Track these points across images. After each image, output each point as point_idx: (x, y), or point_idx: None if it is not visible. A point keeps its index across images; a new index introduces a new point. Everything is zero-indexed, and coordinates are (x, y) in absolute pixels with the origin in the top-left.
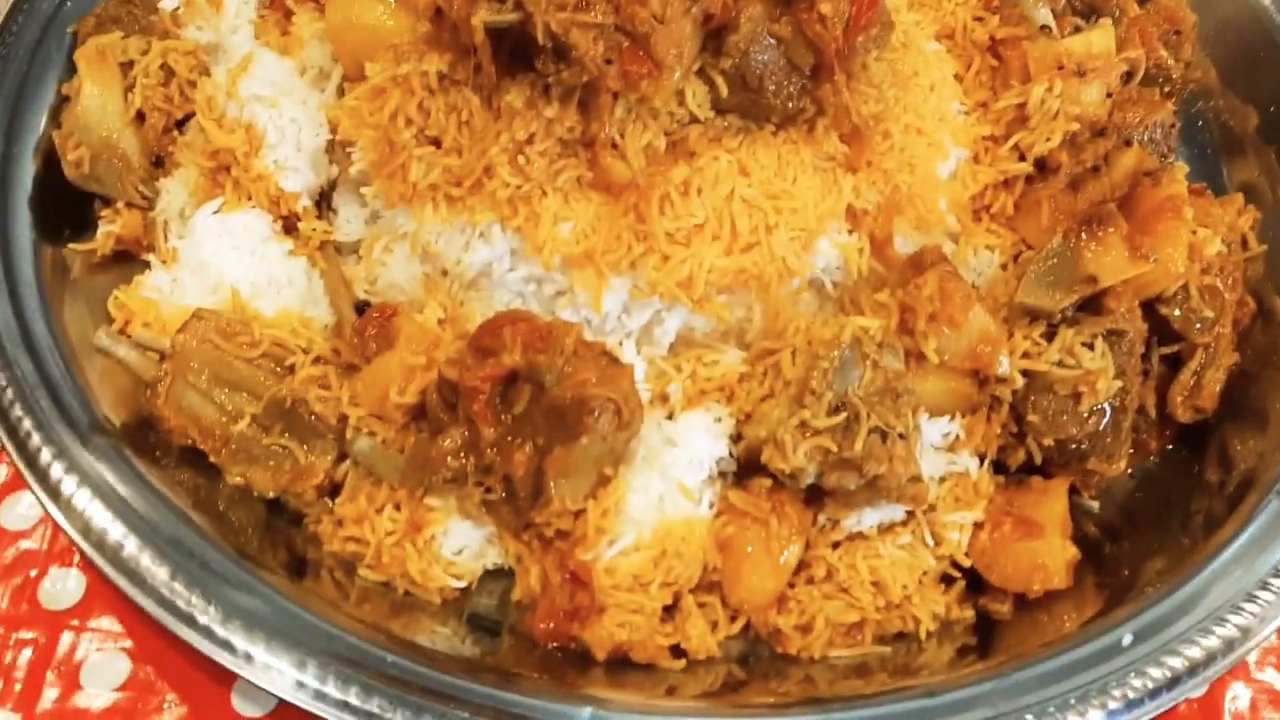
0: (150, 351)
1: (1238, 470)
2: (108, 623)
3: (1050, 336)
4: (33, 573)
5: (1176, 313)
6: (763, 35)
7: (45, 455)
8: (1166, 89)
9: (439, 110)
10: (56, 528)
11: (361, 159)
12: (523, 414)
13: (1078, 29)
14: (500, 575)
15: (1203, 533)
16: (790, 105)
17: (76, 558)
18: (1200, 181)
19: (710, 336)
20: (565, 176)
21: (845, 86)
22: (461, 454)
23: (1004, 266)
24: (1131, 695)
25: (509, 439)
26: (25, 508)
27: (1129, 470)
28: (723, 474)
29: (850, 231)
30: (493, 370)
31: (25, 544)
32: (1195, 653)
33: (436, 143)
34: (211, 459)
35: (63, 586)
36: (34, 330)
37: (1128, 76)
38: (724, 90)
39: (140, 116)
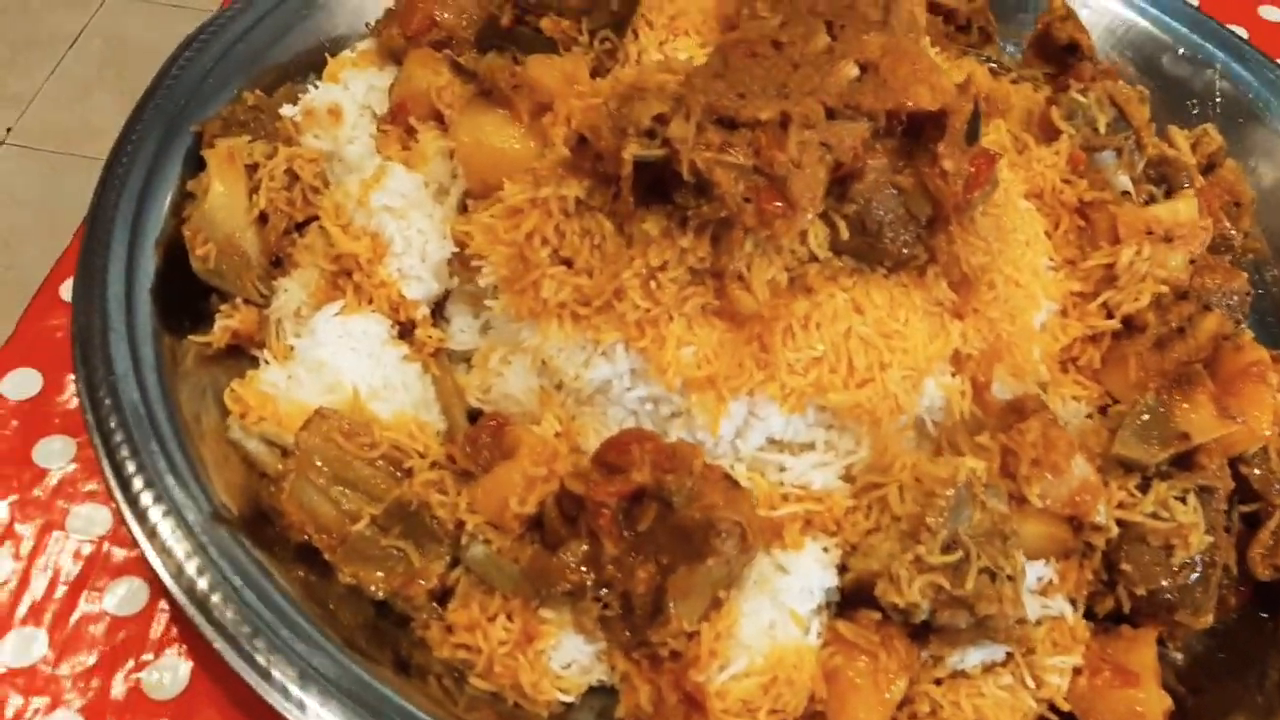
0: (274, 446)
1: None
2: (214, 715)
3: (1144, 489)
4: (135, 661)
5: (1257, 472)
6: (885, 185)
7: (171, 539)
8: (1229, 257)
9: (573, 233)
10: (164, 618)
11: (492, 274)
12: (647, 532)
13: (1151, 196)
14: (600, 692)
15: (1276, 694)
16: (904, 251)
17: (180, 648)
18: (1265, 346)
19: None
20: (692, 303)
21: (958, 236)
22: (581, 568)
23: (1089, 417)
24: None
25: (632, 556)
26: (130, 592)
27: (1209, 626)
28: (827, 604)
29: (954, 374)
30: (621, 486)
31: (128, 632)
32: None
33: (568, 263)
34: (326, 556)
35: (169, 676)
36: (157, 417)
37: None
38: (844, 233)
39: (263, 217)
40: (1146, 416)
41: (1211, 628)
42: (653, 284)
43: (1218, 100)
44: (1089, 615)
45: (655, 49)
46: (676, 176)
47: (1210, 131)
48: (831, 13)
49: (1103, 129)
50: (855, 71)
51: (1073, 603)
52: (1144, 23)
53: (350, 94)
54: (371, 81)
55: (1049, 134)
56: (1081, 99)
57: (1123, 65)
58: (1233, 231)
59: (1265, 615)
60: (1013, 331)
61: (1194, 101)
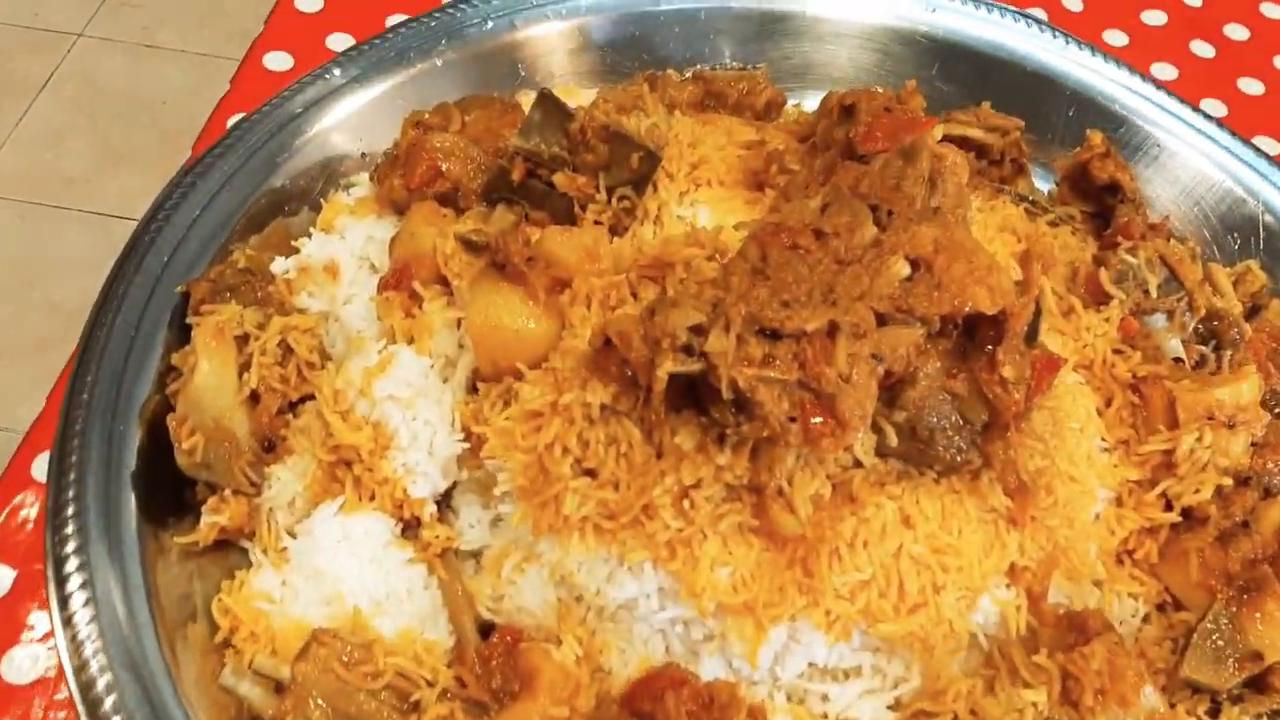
0: (269, 678)
1: None
2: None
3: (1214, 713)
4: None
5: None
6: (938, 391)
7: None
8: (1278, 410)
9: (598, 441)
10: None
11: (508, 482)
12: None
13: (1203, 357)
14: None
15: None
16: (958, 458)
17: None
18: None
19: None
20: (728, 521)
21: (1015, 442)
22: None
23: (1145, 616)
24: None
25: None
26: None
27: None
28: None
29: (1009, 585)
30: None
31: None
32: None
33: (592, 473)
34: None
35: None
36: (145, 642)
37: None
38: (893, 439)
39: (254, 396)
40: (1215, 633)
41: None
42: (686, 503)
43: (1261, 236)
44: None
45: (676, 201)
46: (713, 389)
47: (1254, 269)
48: (877, 194)
49: (1154, 291)
50: (906, 270)
51: None
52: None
53: (347, 245)
54: (370, 232)
55: (1096, 295)
56: (1131, 259)
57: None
58: None
59: None
60: (1071, 535)
61: (1235, 235)
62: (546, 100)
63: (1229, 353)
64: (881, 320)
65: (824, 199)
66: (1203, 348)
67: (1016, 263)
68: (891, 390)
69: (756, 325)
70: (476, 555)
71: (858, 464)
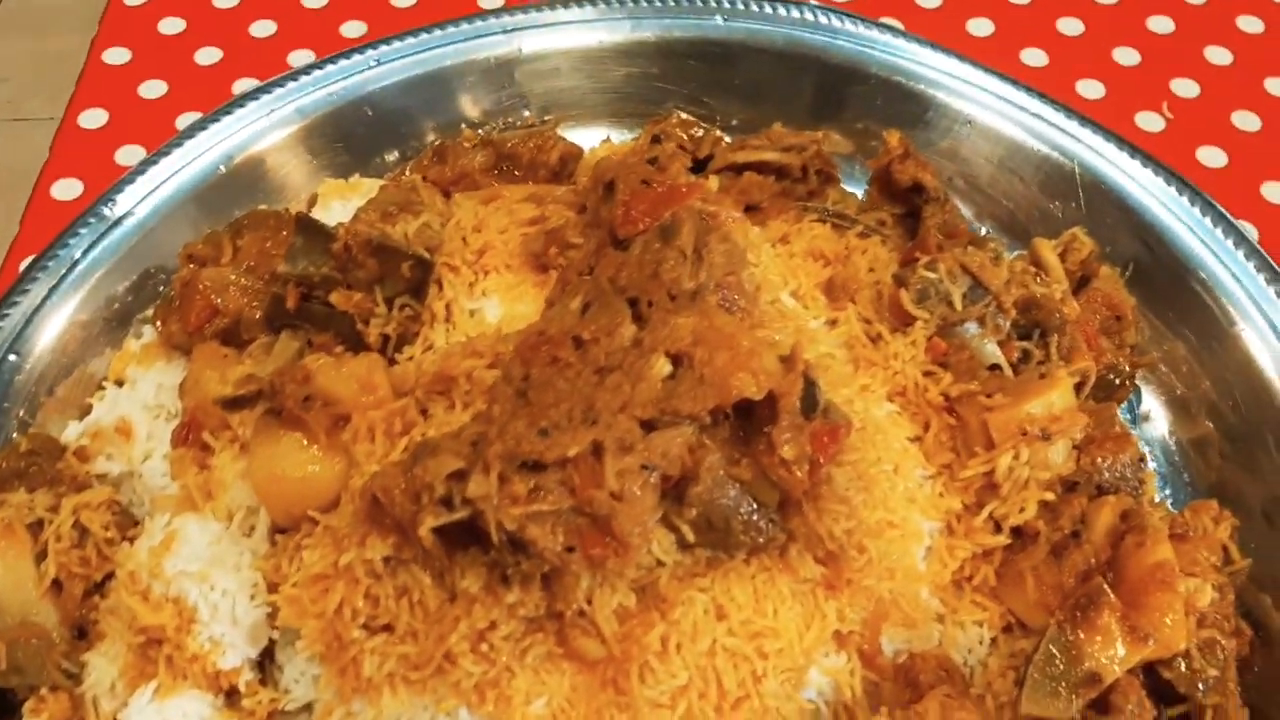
0: None
1: None
2: None
3: None
4: None
5: (1182, 671)
6: (724, 481)
7: None
8: (1118, 382)
9: (388, 596)
10: None
11: (307, 649)
12: None
13: (1025, 354)
14: None
15: None
16: (760, 540)
17: None
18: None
19: None
20: (534, 652)
21: (814, 516)
22: None
23: (994, 641)
24: None
25: None
26: None
27: None
28: None
29: (839, 650)
30: None
31: None
32: None
33: (388, 628)
34: None
35: None
36: None
37: (1079, 386)
38: (689, 536)
39: (56, 584)
40: (1051, 661)
41: None
42: (484, 646)
43: (1081, 198)
44: None
45: (465, 295)
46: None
47: (1080, 236)
48: (636, 285)
49: (959, 303)
50: (667, 369)
51: None
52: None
53: (138, 396)
54: (160, 380)
55: (901, 317)
56: (930, 274)
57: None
58: (1120, 360)
59: None
60: (894, 586)
61: (1057, 203)
62: (305, 224)
63: (1054, 338)
64: (650, 426)
65: (585, 297)
66: (1025, 343)
67: (821, 293)
68: (677, 489)
69: (518, 460)
70: (308, 709)
71: (662, 563)
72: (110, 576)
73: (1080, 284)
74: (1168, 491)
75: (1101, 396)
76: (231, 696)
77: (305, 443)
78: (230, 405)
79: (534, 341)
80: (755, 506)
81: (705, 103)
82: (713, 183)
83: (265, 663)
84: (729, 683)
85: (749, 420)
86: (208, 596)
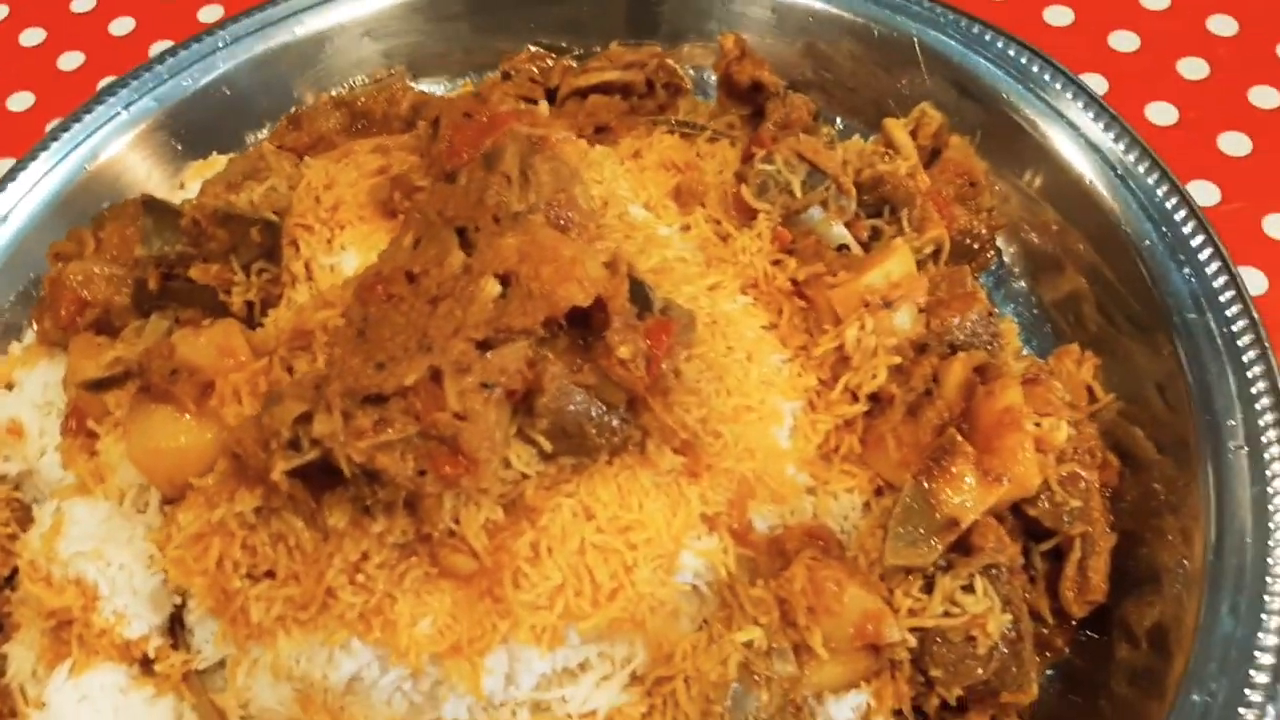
0: None
1: (1145, 638)
2: None
3: (929, 588)
4: None
5: (1044, 508)
6: (569, 389)
7: None
8: (977, 246)
9: (264, 544)
10: None
11: (199, 605)
12: None
13: (876, 231)
14: None
15: (1135, 709)
16: (616, 440)
17: None
18: (1028, 315)
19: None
20: (411, 576)
21: (663, 410)
22: None
23: (867, 504)
24: None
25: None
26: None
27: (1048, 670)
28: None
29: (709, 532)
30: None
31: None
32: None
33: (271, 574)
34: None
35: None
36: None
37: (936, 254)
38: (547, 447)
39: None
40: (910, 513)
41: (1052, 670)
42: (360, 576)
43: (923, 66)
44: (920, 715)
45: (323, 252)
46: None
47: (928, 110)
48: (462, 214)
49: (799, 190)
50: (497, 289)
51: (899, 714)
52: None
53: (27, 398)
54: (45, 378)
55: (748, 213)
56: (768, 167)
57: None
58: (975, 224)
59: (1096, 636)
60: (756, 466)
61: (904, 82)
62: (151, 205)
63: (905, 212)
64: (486, 346)
65: (415, 233)
66: (875, 220)
67: (671, 200)
68: (526, 404)
69: (359, 395)
70: (222, 665)
71: (527, 476)
72: (17, 571)
73: (933, 156)
74: (1034, 344)
75: (963, 262)
76: (146, 665)
77: (177, 414)
78: (97, 387)
79: (370, 282)
80: (604, 409)
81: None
82: (542, 108)
83: (176, 628)
84: (601, 576)
85: (587, 328)
86: (105, 572)
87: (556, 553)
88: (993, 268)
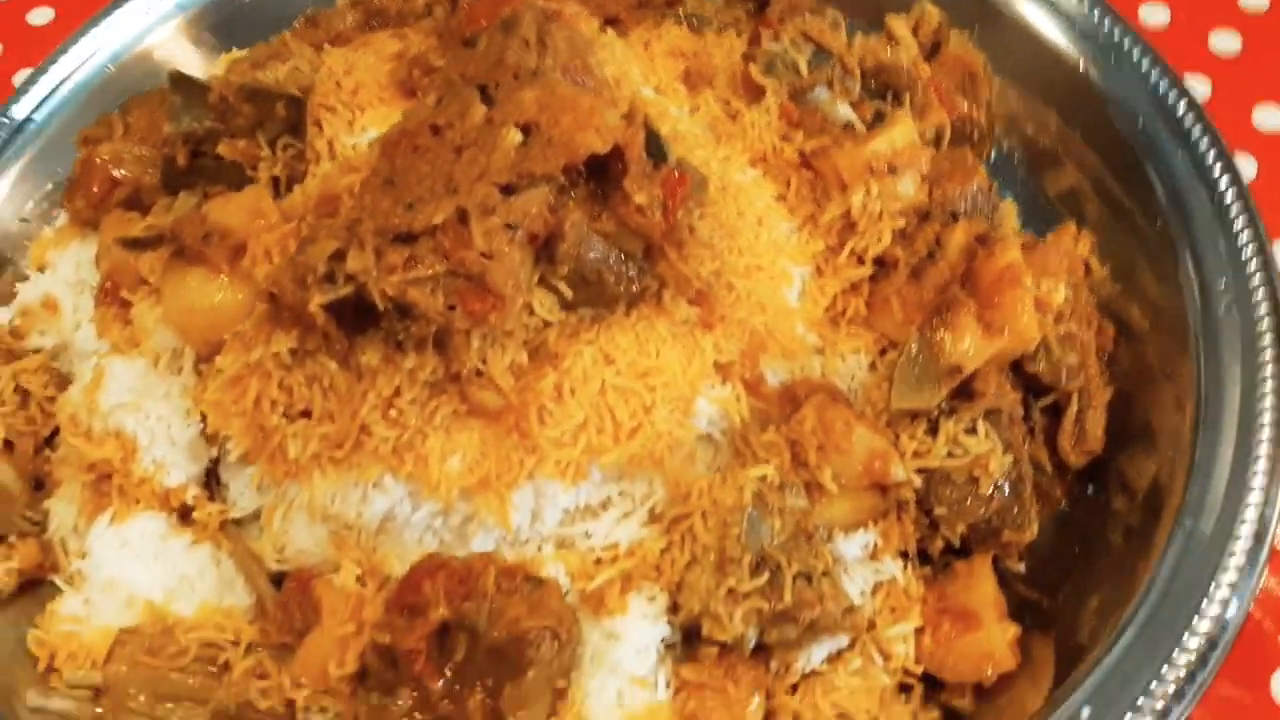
0: (84, 688)
1: (1141, 492)
2: None
3: (934, 431)
4: None
5: (1043, 366)
6: (589, 235)
7: None
8: (976, 135)
9: (300, 384)
10: None
11: (236, 448)
12: (464, 660)
13: (879, 114)
14: None
15: (1127, 560)
16: (634, 289)
17: None
18: (1031, 207)
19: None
20: (441, 414)
21: (678, 259)
22: (415, 712)
23: (872, 365)
24: None
25: (457, 688)
26: None
27: (1043, 521)
28: (670, 647)
29: (723, 382)
30: (423, 629)
31: None
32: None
33: (306, 414)
34: None
35: None
36: None
37: (937, 140)
38: (567, 294)
39: (8, 444)
40: (915, 360)
41: (1045, 522)
42: (393, 412)
43: None
44: (924, 557)
45: (346, 132)
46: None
47: (928, 8)
48: (482, 74)
49: (805, 70)
50: (518, 138)
51: (904, 555)
52: None
53: (60, 277)
54: (78, 257)
55: (755, 92)
56: (775, 47)
57: None
58: (975, 112)
59: (1092, 490)
60: (767, 320)
61: None
62: (179, 81)
63: (908, 96)
64: (509, 190)
65: (437, 93)
66: (879, 102)
67: (681, 84)
68: (547, 248)
69: (390, 234)
70: (258, 517)
71: (549, 324)
72: (57, 431)
73: (933, 51)
74: (1033, 227)
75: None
76: (184, 516)
77: (210, 275)
78: (134, 245)
79: (395, 137)
80: (623, 257)
81: None
82: None
83: (212, 484)
84: (621, 415)
85: (605, 178)
86: (144, 424)
87: (579, 393)
88: (991, 159)
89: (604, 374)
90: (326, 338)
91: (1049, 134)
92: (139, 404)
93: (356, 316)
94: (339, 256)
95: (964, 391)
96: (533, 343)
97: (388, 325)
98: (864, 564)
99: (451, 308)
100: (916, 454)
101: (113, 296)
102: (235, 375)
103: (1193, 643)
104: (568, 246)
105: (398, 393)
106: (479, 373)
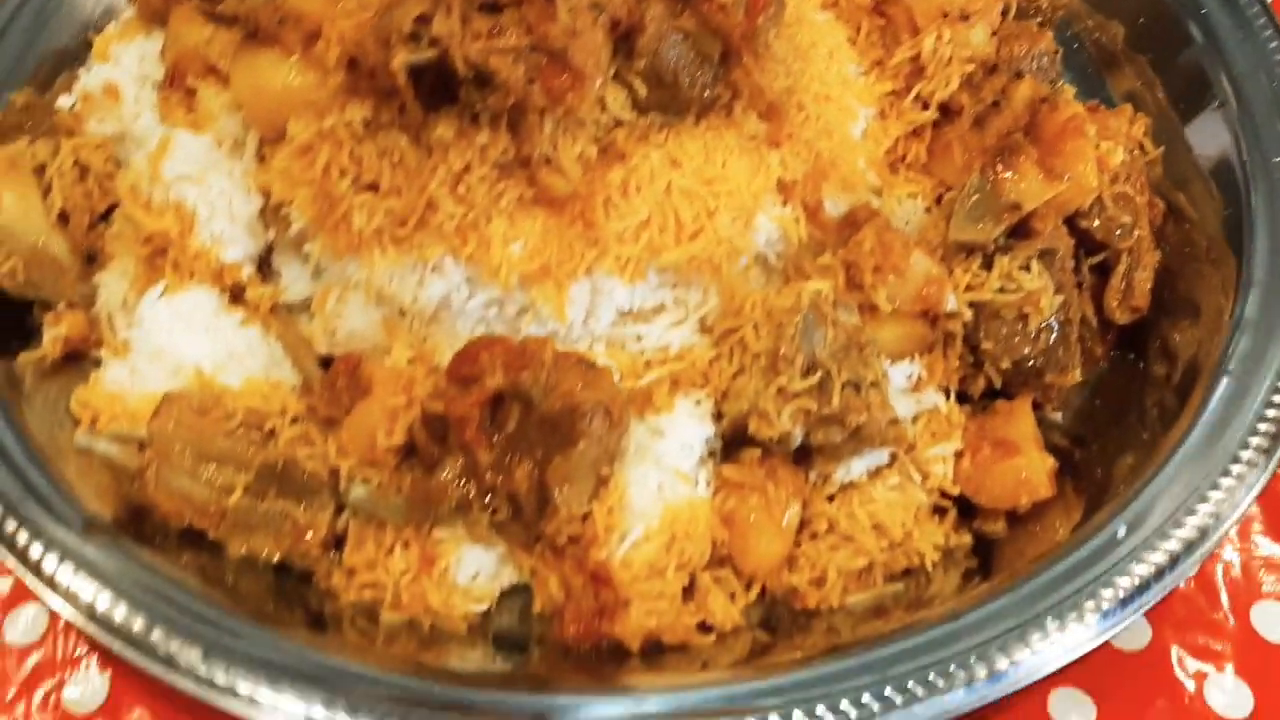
0: (129, 442)
1: (1181, 360)
2: (142, 713)
3: (988, 266)
4: (51, 682)
5: (1096, 224)
6: (669, 32)
7: (48, 561)
8: (1038, 20)
9: (371, 155)
10: (69, 634)
11: (300, 217)
12: (515, 432)
13: None
14: (516, 592)
15: (1160, 424)
16: (706, 94)
17: (93, 660)
18: (1087, 99)
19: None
20: (508, 198)
21: (754, 67)
22: (462, 481)
23: (928, 210)
24: (1136, 583)
25: (506, 458)
26: (30, 620)
27: (1082, 379)
28: (711, 453)
29: (784, 203)
30: (479, 396)
31: (37, 656)
32: (1186, 533)
33: (374, 187)
34: (212, 535)
35: (86, 690)
36: (4, 442)
37: (1003, 13)
38: (641, 91)
39: (64, 217)
40: (975, 196)
41: (1085, 381)
42: (461, 188)
43: None
44: (964, 399)
45: None
46: (457, 74)
47: None
48: None
49: None
50: None
51: (945, 392)
52: None
53: (124, 69)
54: (142, 51)
55: None
56: None
57: None
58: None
59: (1133, 356)
60: (833, 147)
61: None
62: None
63: None
64: None
65: None
66: None
67: None
68: (626, 41)
69: (476, 2)
70: (307, 307)
71: (619, 123)
72: (112, 209)
73: None
74: None
75: None
76: (235, 298)
77: (283, 57)
78: (214, 18)
79: None
80: (699, 60)
81: None
82: None
83: (265, 271)
84: (685, 216)
85: None
86: (205, 196)
87: (645, 191)
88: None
89: (671, 175)
90: (402, 109)
91: (1112, 39)
92: (202, 176)
93: (431, 96)
94: (424, 21)
95: (1020, 231)
96: (602, 141)
97: (466, 95)
98: (907, 395)
99: (531, 81)
100: (969, 287)
101: (178, 83)
102: (305, 143)
103: (1224, 482)
104: (647, 39)
105: (468, 169)
106: (548, 160)
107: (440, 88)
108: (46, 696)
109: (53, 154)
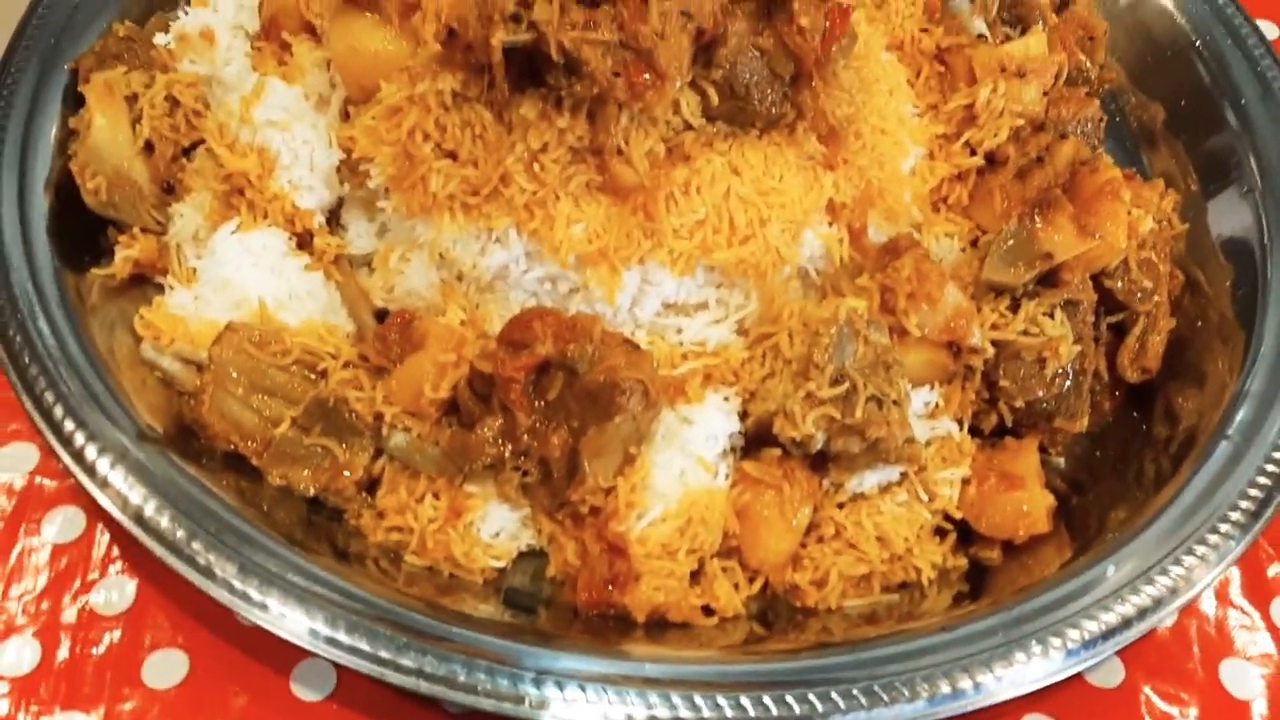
0: (189, 363)
1: (1181, 426)
2: (164, 622)
3: (1014, 309)
4: (79, 583)
5: (1120, 284)
6: (748, 48)
7: (101, 463)
8: (1086, 90)
9: (454, 125)
10: (103, 540)
11: (380, 174)
12: (556, 400)
13: (1007, 37)
14: (531, 557)
15: (1154, 485)
16: (774, 111)
17: (122, 565)
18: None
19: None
20: (576, 181)
21: (821, 92)
22: (499, 441)
23: (963, 250)
24: (1115, 621)
25: (544, 424)
26: (67, 520)
27: (1087, 430)
28: (734, 448)
29: (830, 223)
30: (527, 360)
31: (69, 557)
32: (1167, 581)
33: (452, 155)
34: (254, 462)
35: (113, 595)
36: (69, 349)
37: (1055, 79)
38: (714, 99)
39: (149, 146)
40: (1011, 241)
41: (1090, 432)
42: (536, 166)
43: None
44: (975, 432)
45: None
46: (547, 59)
47: None
48: None
49: None
50: None
51: (959, 423)
52: None
53: (221, 16)
54: (240, 1)
55: None
56: None
57: None
58: (1088, 65)
59: (1137, 415)
60: (883, 178)
61: None
62: None
63: (1034, 29)
64: None
65: None
66: (1008, 30)
67: None
68: (707, 51)
69: None
70: (367, 263)
71: (688, 127)
72: (196, 145)
73: (1060, 7)
74: None
75: None
76: (303, 246)
77: (379, 23)
78: None
79: None
80: (773, 78)
81: None
82: None
83: (331, 225)
84: (740, 221)
85: (774, 0)
86: (289, 144)
87: (705, 192)
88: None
89: (730, 181)
90: (490, 84)
91: (1152, 118)
92: (289, 124)
93: (521, 79)
94: (526, 4)
95: (1049, 280)
96: (670, 142)
97: (554, 79)
98: (923, 420)
99: (616, 75)
100: (995, 326)
101: (274, 37)
102: (394, 105)
103: (1199, 549)
104: (727, 52)
105: (544, 149)
106: (619, 151)
107: (528, 70)
108: (75, 596)
109: (146, 85)
